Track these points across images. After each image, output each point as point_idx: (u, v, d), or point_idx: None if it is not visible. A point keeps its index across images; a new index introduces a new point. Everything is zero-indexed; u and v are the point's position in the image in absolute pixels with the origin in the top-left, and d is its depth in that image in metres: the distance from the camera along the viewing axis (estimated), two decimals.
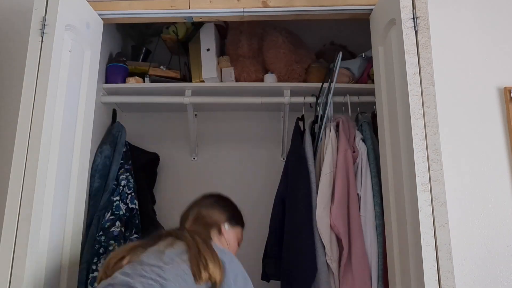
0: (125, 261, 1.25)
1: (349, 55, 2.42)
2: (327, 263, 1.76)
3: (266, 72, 2.31)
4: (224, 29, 2.44)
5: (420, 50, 1.51)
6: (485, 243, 1.59)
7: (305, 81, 2.30)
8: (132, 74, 2.28)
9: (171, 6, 1.87)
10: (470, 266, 1.56)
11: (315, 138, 2.02)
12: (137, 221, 2.01)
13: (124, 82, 2.24)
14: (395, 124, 1.58)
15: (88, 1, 1.80)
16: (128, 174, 2.09)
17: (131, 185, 2.06)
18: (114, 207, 1.97)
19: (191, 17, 1.92)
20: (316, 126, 2.06)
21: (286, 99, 2.20)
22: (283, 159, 2.41)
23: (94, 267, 1.85)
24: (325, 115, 2.00)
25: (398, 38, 1.57)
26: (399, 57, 1.55)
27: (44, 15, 1.57)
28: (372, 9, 1.83)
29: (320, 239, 1.78)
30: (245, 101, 2.28)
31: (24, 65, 1.53)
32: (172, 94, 2.25)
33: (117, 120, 2.34)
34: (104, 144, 2.10)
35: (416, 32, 1.53)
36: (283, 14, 1.88)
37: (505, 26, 1.79)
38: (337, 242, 1.80)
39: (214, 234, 1.47)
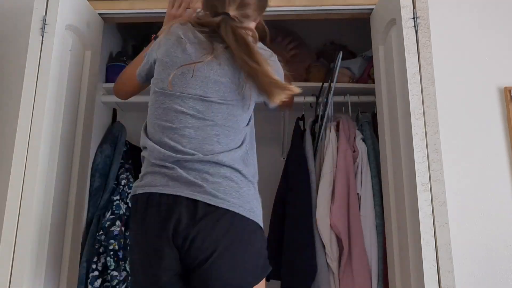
0: None
1: (350, 54, 2.42)
2: (327, 263, 1.77)
3: None
4: None
5: (420, 50, 1.51)
6: (485, 243, 1.58)
7: (305, 80, 2.30)
8: None
9: None
10: (470, 266, 1.56)
11: (315, 138, 2.02)
12: None
13: None
14: (395, 123, 1.58)
15: (88, 1, 1.80)
16: (128, 173, 2.09)
17: (131, 185, 2.06)
18: (114, 207, 1.97)
19: None
20: (317, 125, 2.06)
21: None
22: (283, 158, 2.40)
23: (94, 266, 1.86)
24: (326, 114, 1.99)
25: (398, 37, 1.57)
26: (400, 56, 1.55)
27: (44, 14, 1.57)
28: (372, 9, 1.83)
29: (320, 239, 1.78)
30: None
31: (24, 64, 1.53)
32: None
33: (117, 120, 2.34)
34: (105, 144, 2.10)
35: (416, 31, 1.53)
36: (283, 13, 1.88)
37: (505, 26, 1.78)
38: (337, 242, 1.79)
39: None
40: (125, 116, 2.46)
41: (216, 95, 1.20)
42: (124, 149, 2.15)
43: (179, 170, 1.14)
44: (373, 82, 1.88)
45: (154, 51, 1.29)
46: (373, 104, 1.91)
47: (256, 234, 1.19)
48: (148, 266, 1.13)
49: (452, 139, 1.65)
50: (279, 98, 1.16)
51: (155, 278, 1.12)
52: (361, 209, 1.82)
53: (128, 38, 2.54)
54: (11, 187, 1.44)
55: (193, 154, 1.15)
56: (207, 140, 1.17)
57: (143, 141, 1.26)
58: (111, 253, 1.86)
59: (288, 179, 1.92)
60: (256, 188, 1.24)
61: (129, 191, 2.04)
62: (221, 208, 1.12)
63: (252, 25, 1.36)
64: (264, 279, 1.23)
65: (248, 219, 1.15)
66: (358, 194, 1.84)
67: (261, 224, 1.22)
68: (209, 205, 1.11)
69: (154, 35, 1.37)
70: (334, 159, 1.88)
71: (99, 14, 1.88)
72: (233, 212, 1.13)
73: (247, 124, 1.28)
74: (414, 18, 1.53)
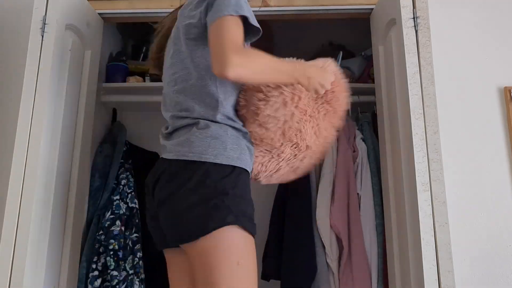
0: None
1: (348, 54, 2.42)
2: (327, 263, 1.77)
3: None
4: None
5: (420, 50, 1.51)
6: (485, 243, 1.58)
7: None
8: (132, 74, 2.28)
9: (171, 6, 1.86)
10: (470, 266, 1.56)
11: None
12: (137, 220, 2.01)
13: (124, 81, 2.24)
14: (395, 123, 1.58)
15: (88, 0, 1.80)
16: (128, 173, 2.09)
17: (131, 184, 2.06)
18: (114, 206, 1.97)
19: None
20: None
21: None
22: None
23: (94, 266, 1.86)
24: None
25: (398, 37, 1.57)
26: (399, 56, 1.55)
27: (44, 14, 1.57)
28: (372, 9, 1.83)
29: (320, 239, 1.78)
30: None
31: (24, 64, 1.53)
32: None
33: (117, 120, 2.34)
34: (104, 144, 2.10)
35: (416, 31, 1.53)
36: (283, 13, 1.88)
37: (505, 26, 1.78)
38: (337, 242, 1.80)
39: None
40: (125, 116, 2.46)
41: (168, 64, 1.25)
42: (124, 149, 2.15)
43: (163, 141, 1.22)
44: (373, 82, 1.88)
45: None
46: (373, 104, 1.91)
47: (195, 178, 1.09)
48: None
49: (452, 139, 1.65)
50: None
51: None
52: (361, 209, 1.82)
53: (128, 38, 2.54)
54: (11, 187, 1.44)
55: (168, 127, 1.23)
56: (175, 108, 1.21)
57: None
58: (111, 253, 1.86)
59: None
60: (224, 127, 1.16)
61: (129, 191, 2.04)
62: (171, 160, 1.13)
63: None
64: (228, 233, 1.07)
65: (188, 161, 1.10)
66: (358, 194, 1.84)
67: (213, 160, 1.10)
68: (164, 159, 1.16)
69: None
70: (334, 159, 1.88)
71: (99, 14, 1.88)
72: (175, 160, 1.12)
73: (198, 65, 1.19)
74: (414, 18, 1.53)
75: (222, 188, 1.08)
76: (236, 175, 1.11)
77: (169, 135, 1.21)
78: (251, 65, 1.09)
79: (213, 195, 1.07)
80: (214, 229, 1.04)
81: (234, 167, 1.11)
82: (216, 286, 1.03)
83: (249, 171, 1.17)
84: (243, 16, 1.11)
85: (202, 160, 1.09)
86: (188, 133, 1.13)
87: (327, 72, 1.24)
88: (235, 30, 1.09)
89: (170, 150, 1.15)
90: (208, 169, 1.09)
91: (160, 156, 1.19)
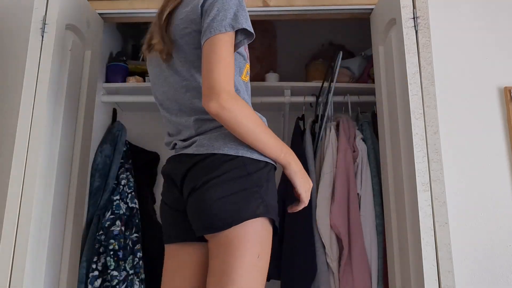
0: None
1: (348, 54, 2.42)
2: (327, 263, 1.77)
3: (267, 72, 2.31)
4: None
5: (420, 50, 1.51)
6: (485, 243, 1.58)
7: (305, 79, 2.31)
8: (132, 74, 2.28)
9: None
10: (470, 266, 1.56)
11: (315, 138, 2.02)
12: (137, 220, 2.02)
13: (124, 81, 2.24)
14: (395, 123, 1.58)
15: (88, 0, 1.80)
16: (128, 173, 2.09)
17: (131, 184, 2.06)
18: (114, 206, 1.97)
19: None
20: (316, 125, 2.06)
21: (286, 98, 2.20)
22: None
23: (94, 266, 1.86)
24: (325, 114, 2.00)
25: (398, 37, 1.57)
26: (400, 56, 1.55)
27: (44, 14, 1.57)
28: (372, 9, 1.83)
29: (320, 238, 1.78)
30: None
31: (24, 64, 1.53)
32: None
33: (117, 120, 2.34)
34: (105, 144, 2.10)
35: (416, 31, 1.53)
36: (283, 13, 1.88)
37: (505, 26, 1.78)
38: (337, 242, 1.80)
39: None
40: (125, 116, 2.47)
41: (172, 70, 1.25)
42: (124, 149, 2.15)
43: (188, 140, 1.22)
44: (373, 82, 1.88)
45: None
46: (373, 104, 1.91)
47: (232, 169, 1.10)
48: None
49: (452, 139, 1.65)
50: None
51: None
52: (361, 209, 1.82)
53: (128, 38, 2.54)
54: (11, 187, 1.44)
55: (182, 130, 1.25)
56: (196, 112, 1.19)
57: None
58: (111, 253, 1.86)
59: (288, 179, 1.92)
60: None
61: (129, 191, 2.04)
62: (203, 154, 1.13)
63: None
64: (257, 224, 1.09)
65: (224, 155, 1.11)
66: (358, 194, 1.84)
67: (250, 155, 1.12)
68: (190, 154, 1.16)
69: None
70: (334, 159, 1.88)
71: (99, 13, 1.88)
72: (210, 153, 1.12)
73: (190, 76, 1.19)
74: (414, 18, 1.53)
75: (257, 180, 1.11)
76: (268, 170, 1.16)
77: (195, 136, 1.17)
78: (240, 112, 1.07)
79: (249, 186, 1.10)
80: (247, 219, 1.07)
81: (267, 163, 1.15)
82: (234, 276, 1.05)
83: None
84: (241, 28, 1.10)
85: (239, 155, 1.11)
86: (220, 130, 1.14)
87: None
88: (228, 57, 1.07)
89: (201, 144, 1.13)
90: (245, 162, 1.11)
91: (183, 152, 1.17)
